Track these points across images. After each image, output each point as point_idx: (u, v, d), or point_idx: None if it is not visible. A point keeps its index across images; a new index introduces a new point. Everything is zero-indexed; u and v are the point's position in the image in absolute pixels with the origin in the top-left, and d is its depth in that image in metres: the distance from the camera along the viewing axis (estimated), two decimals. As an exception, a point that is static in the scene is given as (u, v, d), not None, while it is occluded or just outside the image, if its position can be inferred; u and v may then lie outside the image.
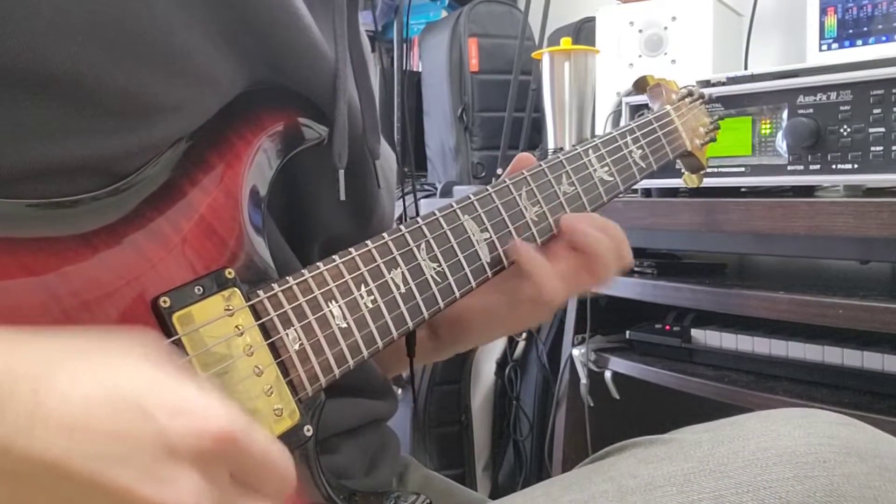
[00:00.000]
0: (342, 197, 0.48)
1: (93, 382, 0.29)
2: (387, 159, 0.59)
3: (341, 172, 0.48)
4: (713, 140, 0.76)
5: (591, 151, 0.60)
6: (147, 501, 0.28)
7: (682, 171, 0.77)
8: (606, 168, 0.61)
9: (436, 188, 1.58)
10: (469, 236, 0.50)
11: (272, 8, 0.45)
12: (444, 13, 1.84)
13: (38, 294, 0.34)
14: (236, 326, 0.39)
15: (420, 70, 1.76)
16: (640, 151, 0.64)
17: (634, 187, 0.68)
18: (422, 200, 1.50)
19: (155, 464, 0.28)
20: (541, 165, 0.56)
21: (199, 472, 0.29)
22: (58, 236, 0.36)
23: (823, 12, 1.13)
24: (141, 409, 0.29)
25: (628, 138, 0.63)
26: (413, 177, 1.61)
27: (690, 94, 0.75)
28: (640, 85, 0.74)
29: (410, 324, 0.46)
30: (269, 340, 0.40)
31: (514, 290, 0.55)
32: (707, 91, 0.78)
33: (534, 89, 1.48)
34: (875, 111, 0.81)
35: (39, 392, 0.27)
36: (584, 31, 1.49)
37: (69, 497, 0.27)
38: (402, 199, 1.53)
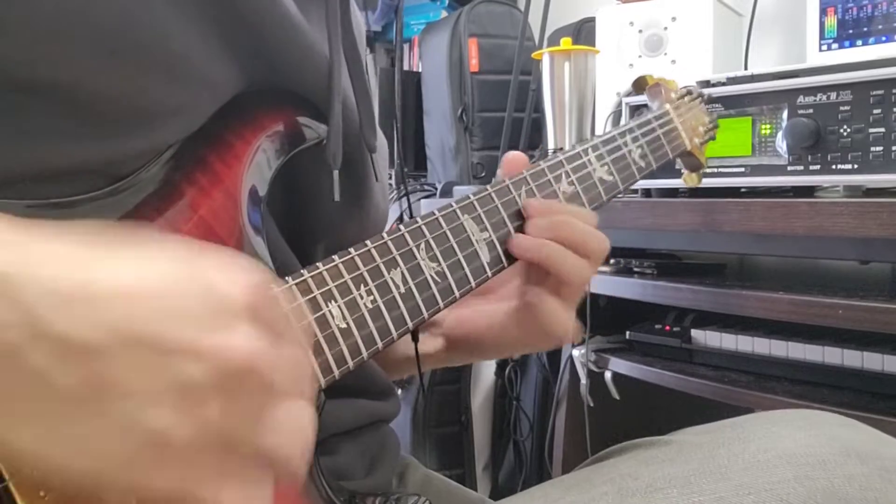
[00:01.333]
0: (337, 198, 0.48)
1: (136, 256, 0.30)
2: (382, 149, 0.59)
3: (336, 173, 0.48)
4: (712, 139, 0.76)
5: (590, 151, 0.60)
6: (214, 350, 0.29)
7: (682, 170, 0.77)
8: (606, 167, 0.61)
9: (436, 188, 1.58)
10: (468, 236, 0.50)
11: (262, 7, 0.45)
12: (444, 13, 1.84)
13: None
14: (235, 327, 0.39)
15: (420, 70, 1.77)
16: (639, 151, 0.64)
17: (634, 187, 0.68)
18: (422, 200, 1.50)
19: (213, 315, 0.29)
20: (540, 165, 0.56)
21: (252, 319, 0.30)
22: None
23: (823, 12, 1.13)
24: (188, 268, 0.30)
25: (628, 137, 0.63)
26: (403, 175, 1.61)
27: (689, 93, 0.74)
28: (640, 84, 0.74)
29: (410, 324, 0.46)
30: (269, 341, 0.40)
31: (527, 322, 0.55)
32: (707, 91, 0.78)
33: (534, 89, 1.48)
34: (875, 111, 0.81)
35: (89, 267, 0.28)
36: (584, 32, 1.49)
37: (141, 360, 0.28)
38: (400, 200, 1.53)
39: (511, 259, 0.53)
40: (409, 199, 1.30)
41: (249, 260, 0.33)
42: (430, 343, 0.61)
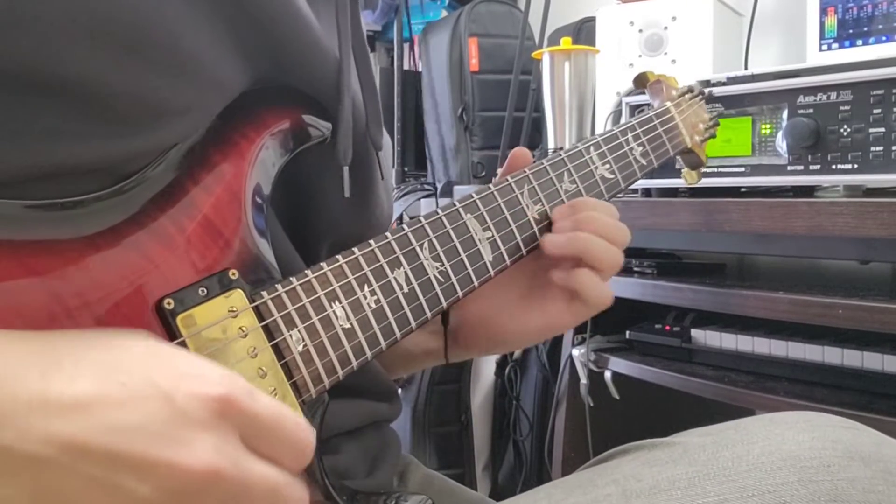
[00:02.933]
0: (347, 194, 0.48)
1: (96, 362, 0.29)
2: (385, 147, 0.59)
3: (346, 169, 0.48)
4: (713, 136, 0.76)
5: (592, 149, 0.60)
6: (168, 465, 0.28)
7: (682, 168, 0.77)
8: (608, 165, 0.61)
9: (436, 188, 1.58)
10: (472, 235, 0.50)
11: (273, 4, 0.45)
12: (444, 13, 1.84)
13: (40, 295, 0.34)
14: (240, 328, 0.39)
15: (420, 70, 1.76)
16: (640, 149, 0.64)
17: (634, 187, 0.68)
18: (422, 200, 1.50)
19: (169, 428, 0.29)
20: (542, 163, 0.57)
21: (212, 432, 0.30)
22: (60, 237, 0.36)
23: (824, 12, 1.13)
24: (146, 378, 0.29)
25: (629, 135, 0.64)
26: (404, 174, 1.60)
27: (691, 90, 0.75)
28: (641, 81, 0.74)
29: (413, 324, 0.46)
30: (273, 342, 0.40)
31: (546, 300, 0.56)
32: (707, 90, 0.78)
33: (534, 89, 1.48)
34: (875, 111, 0.81)
35: (47, 375, 0.28)
36: (584, 31, 1.49)
37: (91, 474, 0.28)
38: (399, 200, 1.53)
39: (514, 258, 0.53)
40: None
41: (221, 369, 0.32)
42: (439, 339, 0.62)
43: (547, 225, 0.56)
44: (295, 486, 0.33)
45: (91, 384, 0.28)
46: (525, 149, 0.59)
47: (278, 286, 0.41)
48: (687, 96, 0.73)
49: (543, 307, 0.57)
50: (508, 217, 0.53)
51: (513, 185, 0.54)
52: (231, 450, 0.30)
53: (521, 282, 0.58)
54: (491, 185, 0.53)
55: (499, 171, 0.58)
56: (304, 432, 0.33)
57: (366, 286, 0.44)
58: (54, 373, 0.28)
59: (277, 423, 0.32)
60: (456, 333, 0.60)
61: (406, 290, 0.46)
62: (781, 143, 0.89)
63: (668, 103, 0.70)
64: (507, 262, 0.52)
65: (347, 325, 0.43)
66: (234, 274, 0.40)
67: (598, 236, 0.54)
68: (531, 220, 0.54)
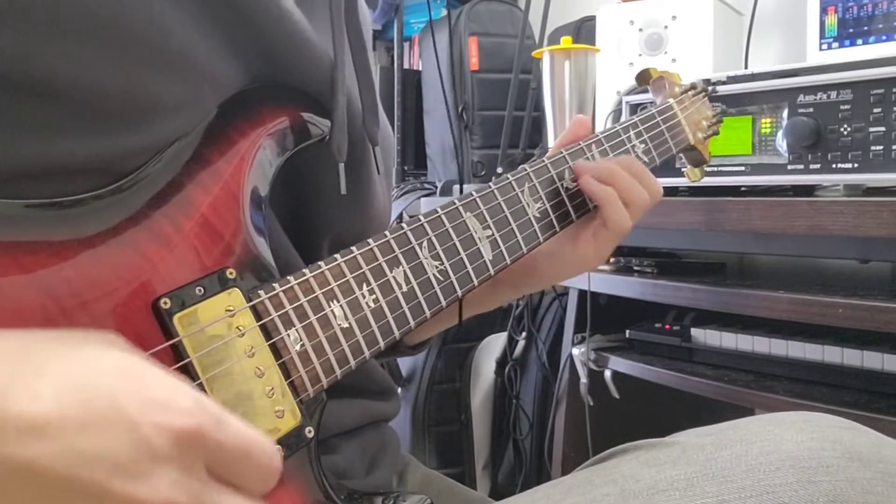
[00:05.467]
0: (343, 191, 0.48)
1: (61, 377, 0.28)
2: (387, 140, 0.59)
3: (341, 166, 0.48)
4: (716, 133, 0.75)
5: (594, 146, 0.60)
6: (125, 497, 0.27)
7: (684, 165, 0.77)
8: None
9: (436, 186, 1.57)
10: (471, 234, 0.50)
11: (259, 2, 0.44)
12: (444, 12, 1.84)
13: (37, 294, 0.34)
14: (237, 327, 0.39)
15: (420, 69, 1.76)
16: (643, 146, 0.64)
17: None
18: (422, 199, 1.50)
19: (129, 459, 0.27)
20: (543, 161, 0.56)
21: (175, 465, 0.28)
22: (57, 236, 0.36)
23: (824, 11, 1.12)
24: (111, 400, 0.28)
25: (631, 132, 0.63)
26: (403, 173, 1.60)
27: (693, 87, 0.74)
28: (643, 78, 0.74)
29: (412, 323, 0.46)
30: (271, 341, 0.40)
31: (576, 228, 0.59)
32: (710, 87, 0.77)
33: (534, 88, 1.48)
34: (875, 110, 0.81)
35: (7, 392, 0.27)
36: (584, 30, 1.49)
37: (48, 497, 0.27)
38: (399, 198, 1.53)
39: (514, 256, 0.52)
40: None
41: (191, 395, 0.30)
42: None
43: (548, 223, 0.55)
44: None
45: (52, 403, 0.27)
46: (585, 117, 0.63)
47: (276, 285, 0.41)
48: (690, 93, 0.73)
49: (575, 244, 0.60)
50: (508, 215, 0.53)
51: (513, 183, 0.54)
52: (193, 483, 0.29)
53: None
54: (491, 184, 0.53)
55: (499, 170, 0.58)
56: (271, 460, 0.32)
57: (364, 285, 0.44)
58: (16, 389, 0.27)
59: (245, 453, 0.31)
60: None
61: (405, 289, 0.46)
62: (781, 143, 0.89)
63: (671, 100, 0.70)
64: (507, 260, 0.52)
65: (346, 325, 0.42)
66: (231, 273, 0.40)
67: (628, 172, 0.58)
68: (532, 218, 0.54)
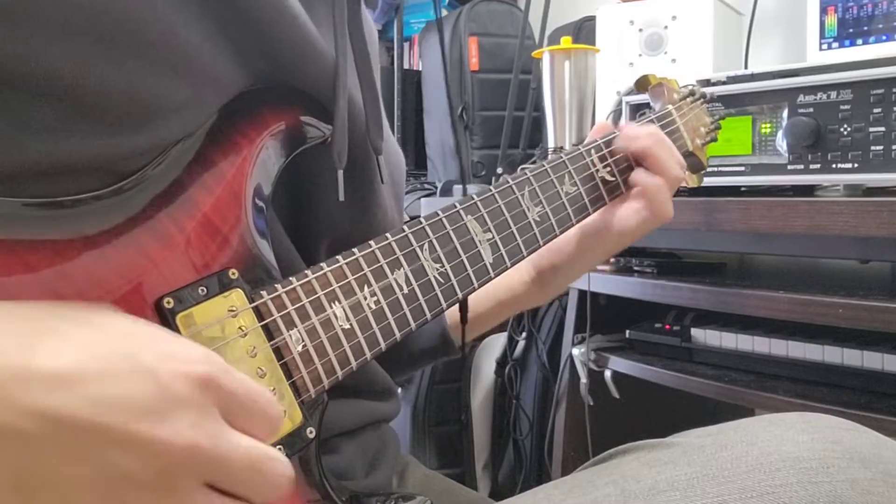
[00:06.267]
0: (341, 197, 0.48)
1: (77, 337, 0.30)
2: (395, 156, 0.59)
3: (340, 172, 0.48)
4: (714, 140, 0.76)
5: (593, 151, 0.60)
6: (150, 440, 0.29)
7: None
8: (608, 168, 0.61)
9: (436, 187, 1.58)
10: (472, 237, 0.50)
11: (263, 4, 0.45)
12: (444, 12, 1.84)
13: (40, 293, 0.34)
14: (239, 327, 0.39)
15: (420, 69, 1.76)
16: None
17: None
18: (422, 199, 1.50)
19: (150, 403, 0.29)
20: (543, 165, 0.56)
21: (193, 408, 0.30)
22: (61, 235, 0.36)
23: (824, 11, 1.13)
24: (129, 354, 0.30)
25: None
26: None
27: (692, 93, 0.75)
28: (642, 84, 0.74)
29: (413, 325, 0.46)
30: (273, 342, 0.40)
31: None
32: (707, 90, 0.78)
33: (534, 88, 1.48)
34: (875, 110, 0.81)
35: (28, 349, 0.28)
36: (584, 30, 1.49)
37: (75, 447, 0.28)
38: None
39: (514, 259, 0.52)
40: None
41: (200, 348, 0.33)
42: (517, 278, 0.66)
43: (548, 227, 0.55)
44: (277, 461, 0.34)
45: (74, 358, 0.29)
46: (607, 123, 0.64)
47: (278, 286, 0.41)
48: (688, 100, 0.73)
49: (621, 213, 0.61)
50: (509, 219, 0.53)
51: (513, 186, 0.54)
52: (210, 425, 0.31)
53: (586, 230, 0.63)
54: (492, 187, 0.53)
55: (499, 170, 0.59)
56: (275, 406, 0.35)
57: (366, 287, 0.44)
58: (37, 346, 0.29)
59: (252, 399, 0.33)
60: (539, 280, 0.66)
61: (406, 291, 0.46)
62: (781, 143, 0.89)
63: (670, 106, 0.70)
64: (508, 263, 0.52)
65: (347, 326, 0.43)
66: (233, 273, 0.40)
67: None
68: (532, 222, 0.54)
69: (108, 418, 0.28)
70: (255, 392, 0.34)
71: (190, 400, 0.30)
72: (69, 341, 0.29)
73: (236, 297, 0.40)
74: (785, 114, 0.89)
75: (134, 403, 0.29)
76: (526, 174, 0.55)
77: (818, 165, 0.86)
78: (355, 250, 0.44)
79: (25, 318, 0.30)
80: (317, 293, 0.42)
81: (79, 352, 0.29)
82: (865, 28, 1.09)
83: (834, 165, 0.85)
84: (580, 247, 0.63)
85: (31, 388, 0.27)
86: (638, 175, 0.61)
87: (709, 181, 0.88)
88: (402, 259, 0.46)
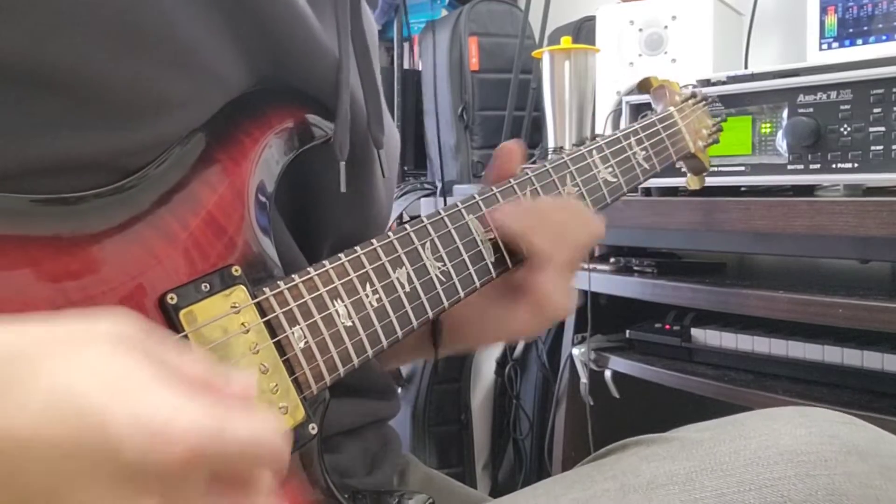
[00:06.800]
0: (343, 189, 0.48)
1: (51, 388, 0.26)
2: (392, 139, 0.58)
3: (342, 164, 0.48)
4: (716, 142, 0.76)
5: (595, 152, 0.60)
6: None
7: (685, 172, 0.77)
8: (610, 169, 0.61)
9: (436, 187, 1.58)
10: (474, 236, 0.50)
11: (271, 2, 0.45)
12: (444, 12, 1.84)
13: (45, 288, 0.34)
14: (242, 324, 0.39)
15: (420, 69, 1.77)
16: (643, 153, 0.64)
17: (635, 186, 0.68)
18: (422, 199, 1.50)
19: (114, 486, 0.26)
20: (545, 165, 0.57)
21: (164, 492, 0.26)
22: (64, 231, 0.36)
23: (824, 11, 1.13)
24: (99, 420, 0.26)
25: (632, 139, 0.64)
26: (403, 173, 1.60)
27: (694, 95, 0.75)
28: (644, 86, 0.75)
29: (415, 323, 0.46)
30: (275, 339, 0.40)
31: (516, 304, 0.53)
32: (707, 90, 0.78)
33: (534, 88, 1.49)
34: (875, 110, 0.81)
35: None
36: (584, 30, 1.49)
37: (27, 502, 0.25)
38: (398, 199, 1.53)
39: (515, 261, 0.53)
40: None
41: (193, 410, 0.27)
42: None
43: None
44: None
45: (38, 418, 0.25)
46: (515, 145, 0.56)
47: (280, 283, 0.41)
48: (690, 101, 0.74)
49: (515, 312, 0.53)
50: None
51: (515, 186, 0.54)
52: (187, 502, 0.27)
53: (499, 286, 0.54)
54: (494, 187, 0.53)
55: (487, 169, 0.55)
56: (279, 449, 0.30)
57: (368, 285, 0.44)
58: (4, 397, 0.25)
59: (248, 451, 0.29)
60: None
61: (408, 289, 0.46)
62: (781, 143, 0.89)
63: (672, 108, 0.70)
64: (509, 263, 0.52)
65: (349, 323, 0.43)
66: (236, 270, 0.40)
67: (548, 224, 0.51)
68: None
69: (64, 494, 0.25)
70: (255, 443, 0.28)
71: (160, 483, 0.26)
72: (40, 391, 0.26)
73: (239, 293, 0.40)
74: (785, 114, 0.89)
75: (93, 485, 0.25)
76: (527, 174, 0.55)
77: (818, 165, 0.86)
78: (357, 248, 0.44)
79: (4, 353, 0.27)
80: (319, 290, 0.42)
81: (48, 407, 0.25)
82: (865, 28, 1.09)
83: (834, 165, 0.85)
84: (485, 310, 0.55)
85: None
86: (523, 276, 0.52)
87: (709, 181, 0.88)
88: (403, 257, 0.46)
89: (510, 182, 0.54)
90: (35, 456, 0.25)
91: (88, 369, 0.27)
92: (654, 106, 0.73)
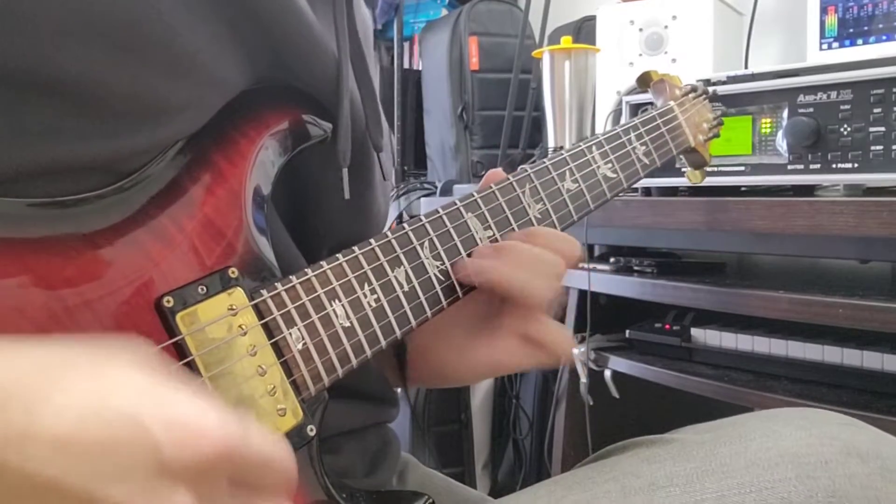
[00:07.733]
0: (347, 195, 0.48)
1: (85, 395, 0.28)
2: (385, 145, 0.59)
3: (345, 171, 0.48)
4: (716, 136, 0.76)
5: (594, 148, 0.60)
6: None
7: (685, 166, 0.77)
8: (610, 165, 0.60)
9: (436, 186, 1.58)
10: (472, 234, 0.50)
11: (274, 4, 0.45)
12: (444, 12, 1.84)
13: (41, 293, 0.34)
14: (239, 326, 0.39)
15: (420, 68, 1.77)
16: (643, 148, 0.64)
17: (634, 186, 0.68)
18: (422, 199, 1.50)
19: (149, 481, 0.27)
20: (544, 162, 0.56)
21: (195, 487, 0.28)
22: (60, 235, 0.36)
23: (824, 11, 1.13)
24: (134, 421, 0.28)
25: (632, 135, 0.63)
26: (403, 173, 1.60)
27: (694, 89, 0.75)
28: (644, 80, 0.74)
29: (413, 323, 0.46)
30: (273, 340, 0.40)
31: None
32: (711, 90, 0.78)
33: (534, 88, 1.49)
34: (875, 110, 0.81)
35: (31, 408, 0.27)
36: (584, 30, 1.49)
37: None
38: (398, 199, 1.53)
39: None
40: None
41: (216, 415, 0.29)
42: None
43: (549, 224, 0.55)
44: None
45: (75, 422, 0.27)
46: (499, 171, 0.55)
47: (278, 284, 0.41)
48: (690, 95, 0.73)
49: (492, 344, 0.51)
50: (510, 216, 0.53)
51: (514, 183, 0.54)
52: (213, 500, 0.29)
53: (469, 318, 0.53)
54: (493, 185, 0.53)
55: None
56: (290, 461, 0.33)
57: (366, 285, 0.44)
58: (39, 405, 0.27)
59: (265, 459, 0.31)
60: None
61: (406, 288, 0.46)
62: (782, 143, 0.89)
63: (672, 102, 0.70)
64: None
65: (347, 324, 0.43)
66: (233, 272, 0.40)
67: (519, 268, 0.48)
68: (532, 219, 0.54)
69: (103, 494, 0.27)
70: (271, 454, 0.31)
71: (193, 477, 0.28)
72: (74, 399, 0.27)
73: (236, 295, 0.40)
74: (785, 114, 0.89)
75: (131, 479, 0.27)
76: (527, 171, 0.55)
77: (818, 165, 0.86)
78: (355, 248, 0.44)
79: (33, 369, 0.28)
80: (316, 291, 0.42)
81: (83, 414, 0.27)
82: (865, 28, 1.09)
83: (834, 165, 0.85)
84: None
85: (29, 452, 0.26)
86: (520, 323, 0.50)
87: (709, 181, 0.88)
88: (402, 257, 0.46)
89: (509, 179, 0.54)
90: (75, 458, 0.26)
91: (118, 381, 0.29)
92: (654, 100, 0.73)
